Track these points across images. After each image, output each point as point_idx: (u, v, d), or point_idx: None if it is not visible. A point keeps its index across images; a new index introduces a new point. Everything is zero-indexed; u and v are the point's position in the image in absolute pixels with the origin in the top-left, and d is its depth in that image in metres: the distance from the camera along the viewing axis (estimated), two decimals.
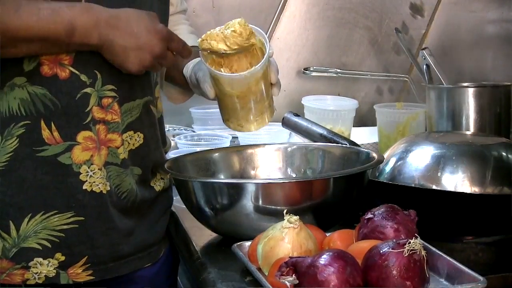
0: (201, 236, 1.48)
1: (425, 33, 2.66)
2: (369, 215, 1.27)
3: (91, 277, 1.38)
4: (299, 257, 1.12)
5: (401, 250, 1.09)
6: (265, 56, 1.38)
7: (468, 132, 1.92)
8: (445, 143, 1.57)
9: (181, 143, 2.16)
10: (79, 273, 1.37)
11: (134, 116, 1.42)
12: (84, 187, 1.36)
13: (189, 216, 1.49)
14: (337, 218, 1.43)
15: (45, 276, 1.35)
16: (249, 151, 1.66)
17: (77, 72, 1.33)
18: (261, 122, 1.46)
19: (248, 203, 1.36)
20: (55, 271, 1.36)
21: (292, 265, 1.10)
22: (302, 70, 2.57)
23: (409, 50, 2.29)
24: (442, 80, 2.12)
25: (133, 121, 1.41)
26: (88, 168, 1.35)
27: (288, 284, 1.09)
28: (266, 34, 1.49)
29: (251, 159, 1.65)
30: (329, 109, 2.28)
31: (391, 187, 1.52)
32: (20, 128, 1.32)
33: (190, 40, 1.60)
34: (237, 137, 2.24)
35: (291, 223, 1.21)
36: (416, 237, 1.10)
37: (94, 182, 1.36)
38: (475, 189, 1.48)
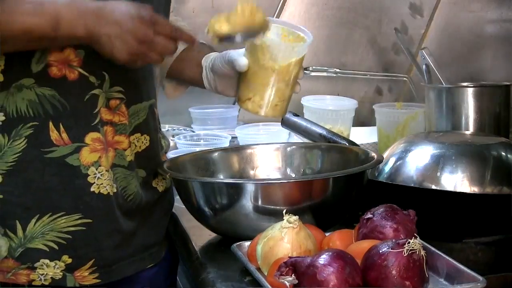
0: (200, 236, 1.48)
1: (425, 33, 2.66)
2: (369, 215, 1.27)
3: (98, 280, 1.38)
4: (298, 257, 1.12)
5: (400, 250, 1.09)
6: (308, 40, 1.41)
7: (467, 132, 1.92)
8: (444, 143, 1.57)
9: (180, 143, 2.16)
10: (85, 276, 1.37)
11: (141, 118, 1.42)
12: (91, 189, 1.36)
13: (189, 216, 1.49)
14: (336, 218, 1.43)
15: (52, 278, 1.35)
16: (249, 151, 1.66)
17: (86, 73, 1.33)
18: (278, 110, 1.44)
19: (247, 203, 1.36)
20: (61, 273, 1.35)
21: (292, 265, 1.10)
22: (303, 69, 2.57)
23: (409, 50, 2.29)
24: (442, 80, 2.12)
25: (140, 123, 1.42)
26: (96, 169, 1.35)
27: (287, 284, 1.09)
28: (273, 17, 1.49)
29: (250, 159, 1.65)
30: (329, 109, 2.28)
31: (391, 187, 1.52)
32: (28, 129, 1.32)
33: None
34: (236, 137, 2.24)
35: (290, 223, 1.21)
36: (415, 237, 1.10)
37: (102, 184, 1.36)
38: (474, 189, 1.48)
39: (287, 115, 1.81)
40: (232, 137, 2.22)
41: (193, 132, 2.37)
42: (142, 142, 1.43)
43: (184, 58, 1.57)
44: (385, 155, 1.60)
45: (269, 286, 1.12)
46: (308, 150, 1.66)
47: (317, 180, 1.41)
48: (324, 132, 1.75)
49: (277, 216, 1.29)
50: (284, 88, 1.42)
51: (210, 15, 2.55)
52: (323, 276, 1.06)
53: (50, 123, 1.33)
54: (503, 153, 1.54)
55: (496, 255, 1.40)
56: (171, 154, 1.86)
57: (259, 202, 1.36)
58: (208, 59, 1.51)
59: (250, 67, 1.41)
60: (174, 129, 2.36)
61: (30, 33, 1.26)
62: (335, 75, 2.58)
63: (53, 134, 1.33)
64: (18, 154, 1.33)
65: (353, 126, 2.31)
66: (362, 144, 1.97)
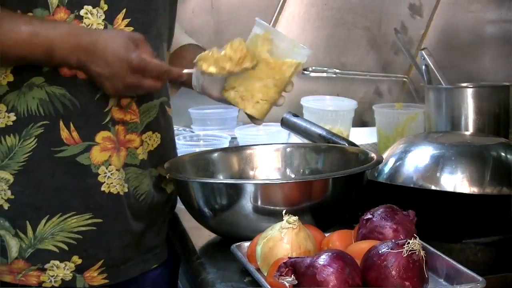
0: (200, 236, 1.48)
1: (424, 33, 2.66)
2: (368, 216, 1.27)
3: (106, 281, 1.38)
4: (298, 257, 1.12)
5: (400, 250, 1.09)
6: (308, 51, 1.40)
7: (467, 133, 1.92)
8: (444, 144, 1.57)
9: (180, 143, 2.15)
10: (94, 276, 1.37)
11: (152, 117, 1.42)
12: (102, 188, 1.36)
13: (189, 216, 1.49)
14: (336, 218, 1.43)
15: (62, 279, 1.35)
16: (248, 151, 1.66)
17: None
18: (258, 109, 1.43)
19: (247, 203, 1.36)
20: (71, 274, 1.36)
21: (291, 266, 1.10)
22: (301, 70, 2.57)
23: (408, 50, 2.29)
24: (441, 81, 2.12)
25: (151, 122, 1.42)
26: (106, 169, 1.36)
27: (287, 284, 1.09)
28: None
29: (250, 159, 1.65)
30: (328, 110, 2.28)
31: (390, 187, 1.52)
32: (39, 128, 1.32)
33: (186, 38, 1.61)
34: (236, 138, 2.24)
35: (290, 223, 1.21)
36: (415, 238, 1.10)
37: (112, 183, 1.36)
38: (474, 190, 1.48)
39: (287, 116, 1.81)
40: (232, 138, 2.22)
41: (193, 132, 2.37)
42: (154, 140, 1.44)
43: (177, 56, 1.57)
44: (384, 156, 1.60)
45: (268, 286, 1.12)
46: (307, 151, 1.66)
47: (316, 181, 1.41)
48: (323, 133, 1.75)
49: (276, 216, 1.29)
50: (271, 87, 1.42)
51: (210, 15, 2.56)
52: (322, 276, 1.07)
53: (61, 122, 1.33)
54: (503, 154, 1.54)
55: (495, 256, 1.40)
56: None
57: (259, 203, 1.36)
58: None
59: None
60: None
61: (24, 60, 1.28)
62: (334, 75, 2.58)
63: (64, 133, 1.33)
64: (29, 154, 1.33)
65: (352, 126, 2.32)
66: (361, 144, 1.97)
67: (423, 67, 2.14)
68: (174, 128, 2.33)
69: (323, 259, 1.08)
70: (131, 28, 1.35)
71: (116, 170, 1.37)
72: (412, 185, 1.51)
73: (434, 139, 1.62)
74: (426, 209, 1.39)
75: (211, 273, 1.30)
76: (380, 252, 1.10)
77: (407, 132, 2.09)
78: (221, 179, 1.60)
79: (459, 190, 1.48)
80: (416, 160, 1.55)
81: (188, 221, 1.54)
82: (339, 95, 2.55)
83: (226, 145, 2.14)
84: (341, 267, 1.07)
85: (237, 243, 1.31)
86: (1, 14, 1.27)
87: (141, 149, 1.41)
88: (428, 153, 1.56)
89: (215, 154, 1.65)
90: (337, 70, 2.58)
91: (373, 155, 1.51)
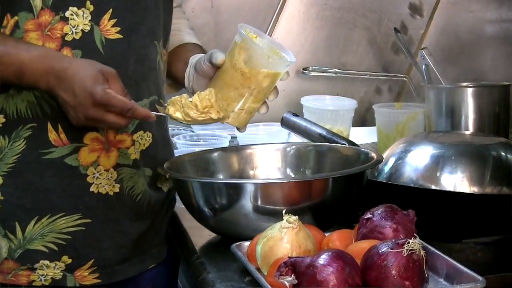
0: (200, 236, 1.48)
1: (424, 33, 2.66)
2: (368, 215, 1.27)
3: (98, 280, 1.38)
4: (298, 257, 1.12)
5: (400, 250, 1.09)
6: (287, 60, 1.40)
7: (467, 132, 1.92)
8: (444, 143, 1.57)
9: (180, 143, 2.16)
10: (85, 275, 1.37)
11: None
12: (91, 189, 1.36)
13: (188, 216, 1.49)
14: (336, 218, 1.43)
15: (52, 278, 1.36)
16: (248, 151, 1.66)
17: None
18: (232, 118, 1.42)
19: (247, 203, 1.36)
20: (61, 273, 1.36)
21: (291, 265, 1.10)
22: (301, 70, 2.57)
23: (408, 50, 2.29)
24: (441, 80, 2.12)
25: (142, 121, 1.41)
26: (95, 169, 1.36)
27: (287, 284, 1.09)
28: (265, 34, 1.48)
29: (250, 159, 1.65)
30: (328, 109, 2.28)
31: (390, 187, 1.52)
32: (27, 130, 1.33)
33: (189, 37, 1.60)
34: (236, 137, 2.24)
35: (290, 223, 1.21)
36: (415, 237, 1.10)
37: (101, 183, 1.36)
38: (474, 189, 1.48)
39: (287, 115, 1.81)
40: (232, 137, 2.22)
41: (193, 132, 2.37)
42: (146, 139, 1.43)
43: (175, 53, 1.57)
44: (384, 155, 1.60)
45: (268, 286, 1.12)
46: (307, 150, 1.65)
47: (316, 180, 1.41)
48: (323, 132, 1.75)
49: (276, 216, 1.28)
50: (247, 97, 1.41)
51: (210, 15, 2.56)
52: (322, 276, 1.06)
53: (49, 124, 1.33)
54: (503, 153, 1.54)
55: (495, 255, 1.40)
56: None
57: (259, 202, 1.36)
58: (195, 58, 1.51)
59: (224, 65, 1.41)
60: (173, 129, 2.36)
61: None
62: (334, 75, 2.58)
63: (52, 135, 1.33)
64: (18, 156, 1.33)
65: (352, 126, 2.32)
66: (361, 144, 1.97)
67: (423, 66, 2.14)
68: (174, 128, 2.36)
69: (323, 259, 1.08)
70: (118, 28, 1.35)
71: (105, 170, 1.37)
72: (412, 185, 1.51)
73: (434, 138, 1.62)
74: (426, 208, 1.39)
75: (211, 272, 1.30)
76: (380, 251, 1.10)
77: (407, 131, 2.09)
78: (221, 178, 1.60)
79: (459, 189, 1.48)
80: (416, 160, 1.55)
81: (188, 221, 1.54)
82: (339, 95, 2.55)
83: (226, 144, 2.14)
84: (341, 266, 1.07)
85: (237, 243, 1.31)
86: None
87: (132, 149, 1.40)
88: (428, 153, 1.56)
89: (215, 154, 1.65)
90: (337, 70, 2.58)
91: (373, 154, 1.51)
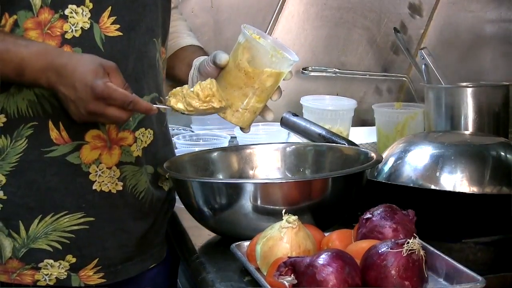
0: (200, 236, 1.48)
1: (424, 33, 2.66)
2: (368, 215, 1.27)
3: (103, 280, 1.38)
4: (297, 257, 1.12)
5: (399, 250, 1.09)
6: (290, 59, 1.39)
7: (466, 132, 1.92)
8: (443, 143, 1.57)
9: (179, 143, 2.16)
10: (90, 275, 1.37)
11: None
12: (94, 187, 1.36)
13: (188, 216, 1.49)
14: (335, 218, 1.43)
15: (56, 278, 1.36)
16: (248, 151, 1.66)
17: None
18: (237, 117, 1.43)
19: (246, 203, 1.36)
20: (66, 273, 1.36)
21: (291, 265, 1.10)
22: (301, 70, 2.57)
23: (408, 50, 2.29)
24: (441, 80, 2.12)
25: (143, 118, 1.41)
26: (97, 167, 1.36)
27: (286, 284, 1.09)
28: (268, 35, 1.48)
29: (249, 159, 1.65)
30: (328, 109, 2.28)
31: (390, 187, 1.52)
32: (29, 129, 1.33)
33: (190, 39, 1.61)
34: (235, 137, 2.24)
35: (289, 223, 1.21)
36: (414, 237, 1.10)
37: (103, 181, 1.37)
38: (473, 189, 1.48)
39: (286, 115, 1.81)
40: (231, 137, 2.22)
41: (192, 132, 2.37)
42: (147, 136, 1.43)
43: (177, 56, 1.57)
44: (384, 155, 1.60)
45: (268, 286, 1.12)
46: (307, 150, 1.65)
47: (316, 180, 1.41)
48: (323, 132, 1.75)
49: (276, 216, 1.28)
50: (250, 96, 1.41)
51: (209, 14, 2.56)
52: (322, 276, 1.06)
53: (50, 122, 1.33)
54: (502, 153, 1.54)
55: (495, 255, 1.40)
56: None
57: (258, 202, 1.36)
58: (199, 61, 1.51)
59: (228, 66, 1.42)
60: (173, 129, 2.36)
61: None
62: (334, 75, 2.58)
63: (53, 133, 1.33)
64: (20, 155, 1.33)
65: (352, 126, 2.32)
66: (361, 144, 1.97)
67: (423, 66, 2.15)
68: (174, 128, 2.36)
69: (322, 259, 1.08)
70: (118, 26, 1.35)
71: (107, 168, 1.37)
72: (411, 185, 1.51)
73: (433, 138, 1.62)
74: (426, 208, 1.39)
75: (211, 272, 1.30)
76: (379, 251, 1.10)
77: (407, 131, 2.09)
78: (220, 178, 1.60)
79: (459, 189, 1.48)
80: (416, 160, 1.55)
81: (187, 221, 1.54)
82: (338, 95, 2.55)
83: (226, 144, 2.14)
84: (341, 266, 1.07)
85: (237, 243, 1.31)
86: None
87: (134, 146, 1.41)
88: (427, 153, 1.56)
89: (215, 154, 1.65)
90: (337, 70, 2.58)
91: (372, 154, 1.51)
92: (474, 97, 1.97)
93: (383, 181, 1.56)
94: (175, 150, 2.04)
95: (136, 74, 1.39)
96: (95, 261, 1.37)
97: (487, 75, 2.61)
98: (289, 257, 1.12)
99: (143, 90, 1.41)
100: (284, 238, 1.20)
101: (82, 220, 1.36)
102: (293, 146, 1.68)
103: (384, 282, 1.08)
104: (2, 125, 1.32)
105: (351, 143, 1.73)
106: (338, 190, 1.40)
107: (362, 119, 2.55)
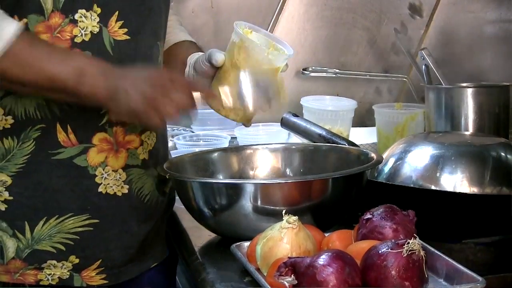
0: (200, 236, 1.48)
1: (424, 33, 2.66)
2: (368, 216, 1.27)
3: (105, 281, 1.39)
4: (298, 257, 1.12)
5: (400, 250, 1.09)
6: (286, 54, 1.41)
7: (467, 133, 1.92)
8: (444, 144, 1.57)
9: (180, 143, 2.16)
10: (92, 276, 1.38)
11: None
12: (99, 190, 1.36)
13: (188, 216, 1.49)
14: (336, 218, 1.43)
15: (59, 278, 1.36)
16: (248, 151, 1.66)
17: None
18: (238, 115, 1.43)
19: (247, 203, 1.36)
20: (68, 273, 1.36)
21: (291, 266, 1.10)
22: (301, 70, 2.57)
23: (408, 50, 2.29)
24: (441, 80, 2.12)
25: None
26: (103, 170, 1.36)
27: (287, 284, 1.09)
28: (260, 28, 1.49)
29: (250, 159, 1.65)
30: (328, 110, 2.28)
31: (390, 187, 1.52)
32: (36, 131, 1.33)
33: (183, 34, 1.61)
34: (236, 138, 2.24)
35: (290, 223, 1.21)
36: (415, 238, 1.10)
37: (109, 184, 1.37)
38: (474, 190, 1.48)
39: (287, 116, 1.81)
40: (232, 138, 2.22)
41: (193, 132, 2.37)
42: (152, 139, 1.44)
43: (172, 53, 1.57)
44: (384, 156, 1.60)
45: (268, 286, 1.12)
46: (307, 151, 1.65)
47: (316, 181, 1.41)
48: (323, 133, 1.75)
49: (276, 216, 1.28)
50: None
51: (209, 15, 2.56)
52: (322, 276, 1.06)
53: (58, 125, 1.33)
54: (503, 154, 1.54)
55: (495, 256, 1.40)
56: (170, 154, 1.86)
57: (259, 203, 1.36)
58: (194, 58, 1.51)
59: (224, 65, 1.42)
60: (173, 130, 2.36)
61: (54, 82, 1.26)
62: (334, 75, 2.58)
63: (61, 136, 1.34)
64: (27, 156, 1.33)
65: (352, 126, 2.32)
66: (361, 144, 1.97)
67: (423, 67, 2.14)
68: (174, 128, 2.36)
69: (323, 259, 1.08)
70: (126, 30, 1.36)
71: (113, 171, 1.37)
72: (412, 185, 1.51)
73: (434, 139, 1.62)
74: (426, 209, 1.39)
75: (210, 273, 1.30)
76: (380, 252, 1.10)
77: (407, 132, 2.09)
78: (221, 179, 1.60)
79: (459, 190, 1.48)
80: (416, 160, 1.55)
81: (187, 221, 1.54)
82: (339, 95, 2.55)
83: (226, 145, 2.15)
84: (341, 267, 1.07)
85: (237, 243, 1.31)
86: (37, 37, 1.29)
87: (141, 149, 1.41)
88: (428, 153, 1.56)
89: (215, 154, 1.65)
90: (337, 70, 2.58)
91: (373, 155, 1.51)
92: (474, 97, 1.97)
93: (383, 181, 1.56)
94: (176, 151, 2.05)
95: None
96: (98, 262, 1.38)
97: (487, 76, 2.61)
98: (289, 258, 1.12)
99: None
100: (284, 238, 1.20)
101: (86, 222, 1.36)
102: (293, 147, 1.68)
103: (384, 282, 1.08)
104: (9, 126, 1.33)
105: (351, 143, 1.73)
106: (338, 191, 1.40)
107: (362, 120, 2.55)
